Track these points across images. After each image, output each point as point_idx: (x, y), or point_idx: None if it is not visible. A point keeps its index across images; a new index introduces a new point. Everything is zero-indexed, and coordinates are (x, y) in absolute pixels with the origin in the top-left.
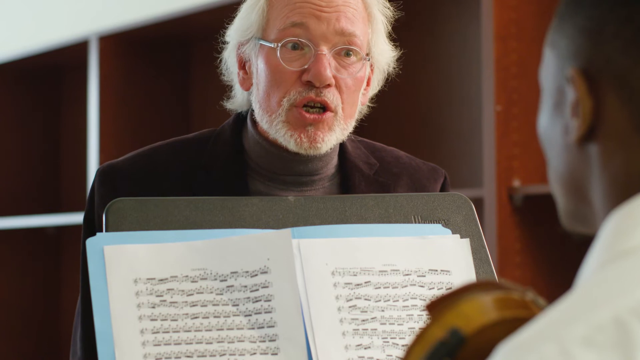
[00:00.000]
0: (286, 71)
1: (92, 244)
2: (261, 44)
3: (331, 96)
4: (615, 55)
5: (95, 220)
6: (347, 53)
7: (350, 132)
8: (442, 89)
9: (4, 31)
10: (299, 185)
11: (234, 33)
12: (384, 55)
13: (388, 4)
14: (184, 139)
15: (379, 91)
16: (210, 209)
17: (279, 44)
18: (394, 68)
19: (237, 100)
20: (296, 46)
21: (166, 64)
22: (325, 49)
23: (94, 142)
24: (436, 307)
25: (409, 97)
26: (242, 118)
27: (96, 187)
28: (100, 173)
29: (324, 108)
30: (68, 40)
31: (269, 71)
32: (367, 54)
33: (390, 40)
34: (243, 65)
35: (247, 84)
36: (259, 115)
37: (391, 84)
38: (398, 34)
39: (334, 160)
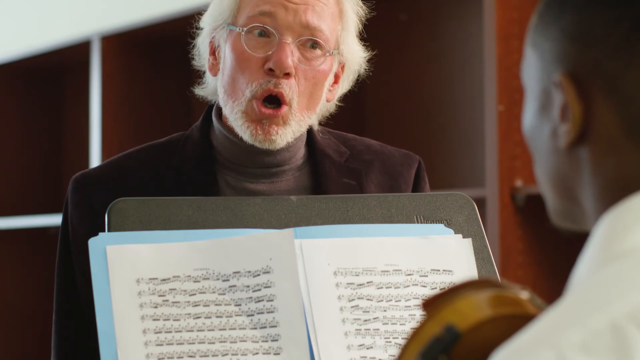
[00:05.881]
0: (250, 57)
1: (94, 243)
2: (230, 30)
3: (287, 88)
4: (603, 59)
5: (70, 230)
6: (313, 45)
7: (321, 127)
8: (444, 88)
9: (6, 31)
10: (268, 176)
11: (207, 19)
12: (355, 55)
13: (361, 3)
14: (155, 143)
15: (382, 91)
16: (213, 209)
17: (244, 29)
18: (366, 69)
19: (208, 87)
20: (262, 34)
21: (168, 64)
22: (289, 39)
23: (96, 142)
24: (432, 305)
25: (411, 96)
26: (210, 117)
27: (69, 195)
28: (73, 181)
29: (280, 103)
30: (70, 40)
31: (234, 56)
32: (335, 49)
33: (363, 40)
34: (214, 51)
35: (215, 69)
36: (223, 100)
37: (393, 83)
38: (400, 33)
39: (302, 150)
